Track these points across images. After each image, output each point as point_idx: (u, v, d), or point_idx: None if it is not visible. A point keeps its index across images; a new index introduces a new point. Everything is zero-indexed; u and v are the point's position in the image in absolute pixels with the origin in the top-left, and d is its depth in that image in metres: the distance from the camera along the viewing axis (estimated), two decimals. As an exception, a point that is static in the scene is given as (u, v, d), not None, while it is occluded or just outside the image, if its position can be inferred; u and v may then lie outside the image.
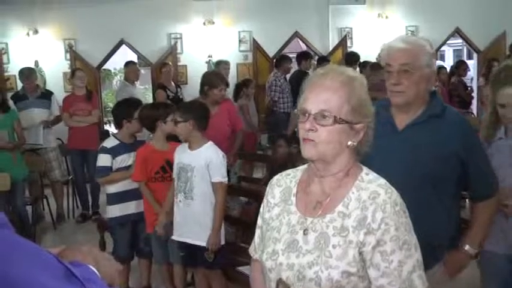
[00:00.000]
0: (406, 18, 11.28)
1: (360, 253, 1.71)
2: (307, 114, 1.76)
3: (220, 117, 5.73)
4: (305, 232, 1.80)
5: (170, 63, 9.67)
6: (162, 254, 4.63)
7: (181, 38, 10.49)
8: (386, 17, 11.17)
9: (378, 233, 1.69)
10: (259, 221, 2.04)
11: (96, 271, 1.18)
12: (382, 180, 1.81)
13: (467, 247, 2.72)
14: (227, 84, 6.41)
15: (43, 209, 7.69)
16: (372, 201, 1.73)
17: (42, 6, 9.61)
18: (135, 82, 9.08)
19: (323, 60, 9.58)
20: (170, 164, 4.43)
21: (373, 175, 1.84)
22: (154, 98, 8.30)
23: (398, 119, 2.63)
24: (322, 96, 1.75)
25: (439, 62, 13.11)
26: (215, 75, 6.28)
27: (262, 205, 2.04)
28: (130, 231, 4.86)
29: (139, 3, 9.96)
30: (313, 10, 10.85)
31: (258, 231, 2.04)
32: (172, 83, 9.11)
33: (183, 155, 4.17)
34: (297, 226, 1.83)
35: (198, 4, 10.32)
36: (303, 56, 9.81)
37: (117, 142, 4.82)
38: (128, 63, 9.17)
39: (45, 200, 7.57)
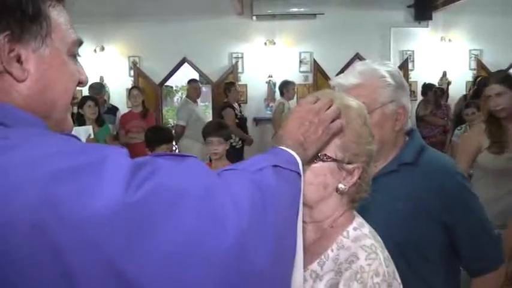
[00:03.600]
0: (470, 42, 11.06)
1: None
2: None
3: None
4: None
5: (236, 82, 9.73)
6: None
7: (242, 57, 10.61)
8: (450, 40, 10.99)
9: None
10: None
11: None
12: (369, 241, 1.41)
13: None
14: None
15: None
16: (348, 266, 1.37)
17: (110, 24, 9.91)
18: (197, 100, 9.20)
19: None
20: None
21: (362, 231, 1.45)
22: (221, 116, 8.38)
23: None
24: None
25: None
26: None
27: None
28: None
29: (202, 22, 10.14)
30: (375, 32, 10.78)
31: None
32: (235, 103, 9.20)
33: None
34: None
35: (259, 24, 10.44)
36: None
37: None
38: (190, 81, 9.28)
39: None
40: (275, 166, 1.16)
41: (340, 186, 1.45)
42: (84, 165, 0.88)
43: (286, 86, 9.09)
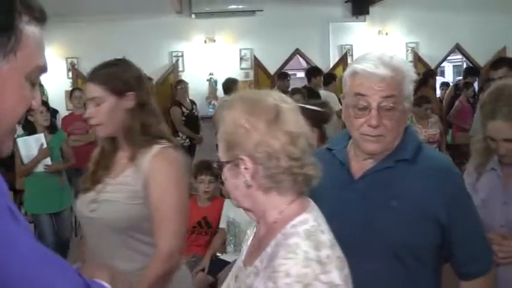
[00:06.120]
0: (407, 35, 11.32)
1: None
2: None
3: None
4: (236, 279, 1.59)
5: (185, 79, 9.68)
6: None
7: (182, 55, 10.55)
8: (387, 34, 11.20)
9: None
10: None
11: None
12: (295, 240, 1.39)
13: None
14: None
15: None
16: (270, 264, 1.39)
17: (48, 24, 9.66)
18: None
19: (330, 77, 9.42)
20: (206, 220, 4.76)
21: (297, 228, 1.43)
22: (168, 114, 8.32)
23: (355, 163, 1.95)
24: None
25: (440, 78, 13.14)
26: None
27: None
28: None
29: (141, 21, 10.03)
30: (313, 27, 10.88)
31: None
32: (188, 100, 9.13)
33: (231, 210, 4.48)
34: (234, 270, 1.64)
35: (198, 22, 10.40)
36: (312, 73, 9.35)
37: None
38: None
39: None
40: None
41: (245, 181, 1.47)
42: None
43: (231, 85, 8.94)
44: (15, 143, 6.88)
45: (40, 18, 1.10)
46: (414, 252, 1.86)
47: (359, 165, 1.93)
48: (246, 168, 1.45)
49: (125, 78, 2.23)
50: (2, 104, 1.03)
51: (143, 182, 2.18)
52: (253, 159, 1.44)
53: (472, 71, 10.15)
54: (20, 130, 5.41)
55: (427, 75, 9.60)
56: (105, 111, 2.19)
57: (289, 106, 1.50)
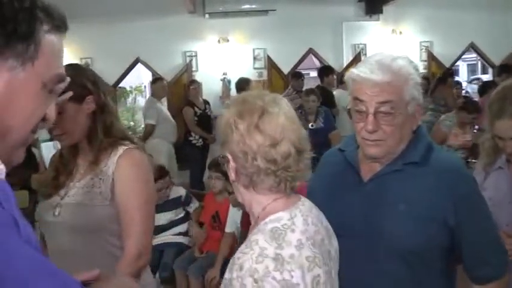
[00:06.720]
0: (420, 34, 11.25)
1: None
2: None
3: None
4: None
5: (198, 79, 9.73)
6: None
7: (196, 55, 10.55)
8: (401, 33, 11.15)
9: None
10: None
11: None
12: (257, 236, 1.47)
13: None
14: None
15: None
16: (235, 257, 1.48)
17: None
18: (161, 99, 9.10)
19: (344, 76, 9.28)
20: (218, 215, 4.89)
21: (268, 225, 1.50)
22: (181, 114, 8.36)
23: (365, 166, 1.94)
24: None
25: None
26: None
27: None
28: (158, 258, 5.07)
29: (155, 22, 10.05)
30: (327, 27, 10.86)
31: None
32: (201, 99, 9.15)
33: None
34: None
35: (212, 22, 10.41)
36: (324, 72, 9.34)
37: None
38: (156, 80, 9.10)
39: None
40: None
41: (231, 175, 1.58)
42: None
43: (244, 84, 8.89)
44: (39, 148, 6.93)
45: (61, 26, 1.09)
46: (421, 255, 1.84)
47: (368, 168, 1.93)
48: (231, 165, 1.56)
49: (81, 82, 2.18)
50: (16, 112, 1.02)
51: (109, 183, 2.18)
52: (234, 157, 1.54)
53: (506, 68, 9.71)
54: (45, 134, 5.43)
55: (446, 74, 9.55)
56: (68, 119, 2.16)
57: (277, 111, 1.53)
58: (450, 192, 1.81)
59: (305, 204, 1.60)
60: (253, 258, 1.40)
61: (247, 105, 1.54)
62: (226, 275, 1.46)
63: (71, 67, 2.23)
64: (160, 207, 5.04)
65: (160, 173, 5.16)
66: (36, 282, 0.91)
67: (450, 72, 10.00)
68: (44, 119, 1.09)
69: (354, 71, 1.85)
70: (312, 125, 7.03)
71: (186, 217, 5.31)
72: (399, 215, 1.82)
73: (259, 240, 1.45)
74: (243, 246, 1.48)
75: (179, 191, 5.37)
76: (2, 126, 1.01)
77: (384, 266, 1.83)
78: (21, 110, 1.03)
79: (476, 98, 8.91)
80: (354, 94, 1.85)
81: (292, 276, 1.39)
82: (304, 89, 8.44)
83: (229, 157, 1.55)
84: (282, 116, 1.52)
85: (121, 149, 2.21)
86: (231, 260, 1.48)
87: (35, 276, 0.91)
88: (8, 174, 1.01)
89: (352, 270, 1.73)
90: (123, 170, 2.18)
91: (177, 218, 5.26)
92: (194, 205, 5.33)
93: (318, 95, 7.24)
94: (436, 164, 1.86)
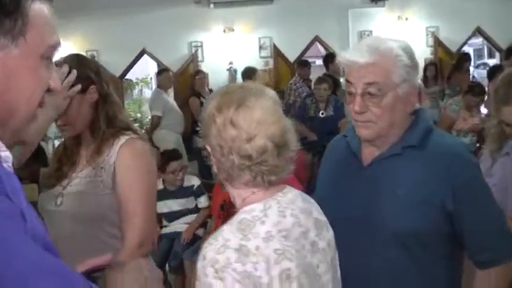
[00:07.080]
0: (426, 19, 11.20)
1: None
2: None
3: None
4: None
5: (204, 69, 9.74)
6: None
7: (201, 46, 10.57)
8: (406, 19, 11.10)
9: None
10: None
11: None
12: (224, 227, 1.48)
13: None
14: None
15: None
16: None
17: (65, 19, 9.73)
18: (168, 90, 9.08)
19: None
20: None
21: (239, 216, 1.50)
22: (187, 105, 8.38)
23: (365, 150, 1.94)
24: None
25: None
26: None
27: None
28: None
29: (160, 12, 10.05)
30: (332, 14, 10.84)
31: None
32: (207, 89, 9.14)
33: None
34: None
35: (218, 12, 10.39)
36: (329, 59, 9.18)
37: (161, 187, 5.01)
38: (162, 71, 9.05)
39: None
40: None
41: (213, 168, 1.57)
42: None
43: (250, 73, 8.85)
44: (48, 142, 6.95)
45: None
46: (419, 239, 1.82)
47: (368, 152, 1.92)
48: (212, 159, 1.54)
49: (83, 73, 2.15)
50: (18, 90, 0.99)
51: (111, 172, 2.16)
52: (213, 151, 1.52)
53: None
54: (58, 132, 5.51)
55: (461, 59, 9.52)
56: (71, 109, 2.14)
57: (253, 104, 1.48)
58: (448, 177, 1.79)
59: (287, 196, 1.55)
60: (216, 248, 1.40)
61: (225, 97, 1.51)
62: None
63: (73, 58, 2.23)
64: (173, 194, 5.05)
65: (175, 154, 5.17)
66: (36, 282, 0.90)
67: (465, 57, 9.97)
68: (48, 90, 1.06)
69: (343, 54, 1.87)
70: (322, 113, 7.08)
71: (196, 209, 5.31)
72: (397, 199, 1.81)
73: (224, 231, 1.45)
74: (211, 236, 1.47)
75: (192, 180, 5.34)
76: (6, 108, 0.99)
77: (382, 250, 1.82)
78: (23, 88, 0.99)
79: (483, 82, 8.90)
80: (346, 77, 1.87)
81: (256, 269, 1.38)
82: (310, 77, 8.41)
83: (208, 149, 1.53)
84: (258, 109, 1.47)
85: (123, 139, 2.20)
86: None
87: (35, 276, 0.90)
88: (17, 168, 1.00)
89: (351, 255, 1.73)
90: (124, 160, 2.17)
91: (188, 207, 5.25)
92: (204, 202, 5.27)
93: (330, 83, 7.26)
94: (434, 148, 1.84)
